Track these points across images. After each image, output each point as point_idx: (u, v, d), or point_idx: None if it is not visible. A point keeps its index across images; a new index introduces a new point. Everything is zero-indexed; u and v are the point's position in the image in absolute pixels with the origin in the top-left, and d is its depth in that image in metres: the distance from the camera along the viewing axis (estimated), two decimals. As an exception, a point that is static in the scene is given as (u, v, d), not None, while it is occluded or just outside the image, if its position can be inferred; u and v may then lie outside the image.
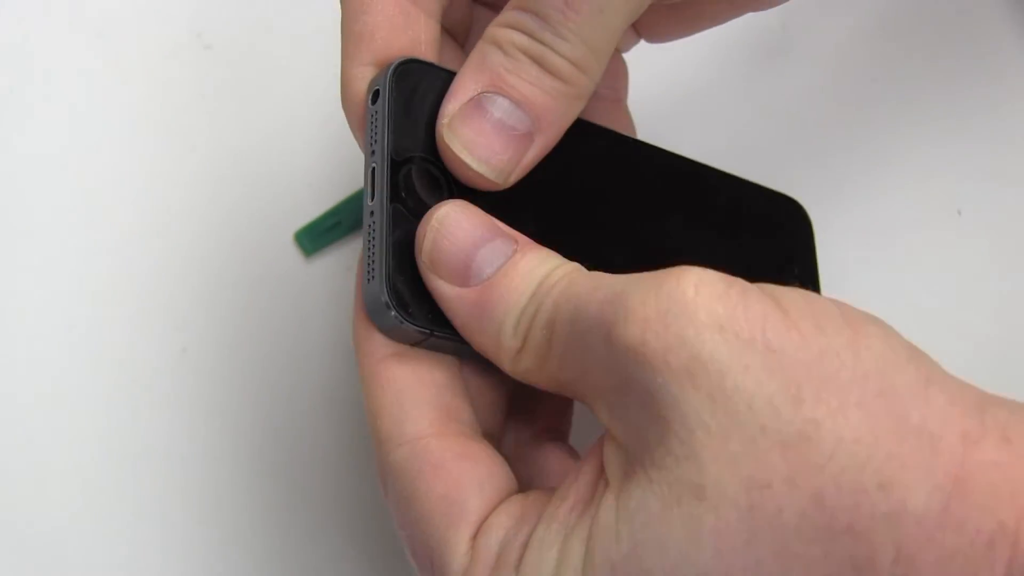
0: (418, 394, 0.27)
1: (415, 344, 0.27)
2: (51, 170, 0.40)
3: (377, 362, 0.27)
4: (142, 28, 0.42)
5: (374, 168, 0.27)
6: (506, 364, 0.27)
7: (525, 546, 0.25)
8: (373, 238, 0.27)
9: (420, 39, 0.28)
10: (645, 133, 0.35)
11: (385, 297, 0.27)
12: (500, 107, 0.27)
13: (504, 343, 0.26)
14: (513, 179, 0.28)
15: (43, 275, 0.39)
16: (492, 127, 0.27)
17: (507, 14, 0.28)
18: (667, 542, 0.22)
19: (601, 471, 0.25)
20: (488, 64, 0.28)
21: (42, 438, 0.37)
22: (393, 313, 0.26)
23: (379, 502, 0.36)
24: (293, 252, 0.39)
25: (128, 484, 0.37)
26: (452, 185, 0.28)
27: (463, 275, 0.26)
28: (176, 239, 0.39)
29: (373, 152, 0.28)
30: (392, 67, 0.27)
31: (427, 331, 0.27)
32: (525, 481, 0.28)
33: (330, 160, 0.40)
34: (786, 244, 0.34)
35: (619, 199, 0.31)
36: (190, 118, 0.41)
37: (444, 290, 0.26)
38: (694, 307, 0.23)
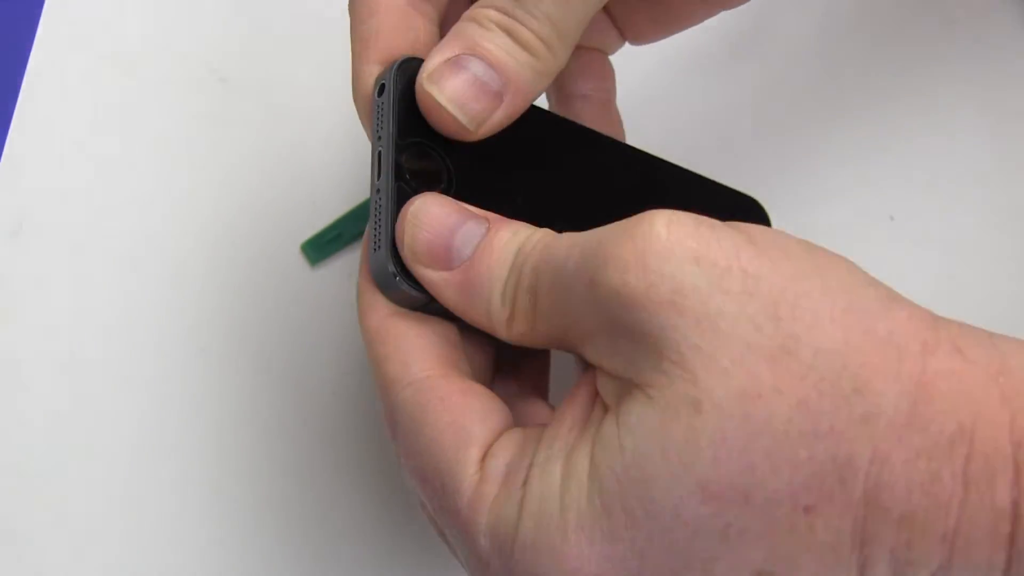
0: (422, 342, 0.28)
1: (416, 309, 0.28)
2: (81, 192, 0.41)
3: (382, 318, 0.28)
4: (164, 64, 0.43)
5: (380, 152, 0.29)
6: (501, 332, 0.27)
7: (530, 466, 0.25)
8: (379, 212, 0.28)
9: (419, 40, 0.30)
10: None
11: (390, 264, 0.27)
12: (476, 65, 0.28)
13: (495, 314, 0.27)
14: (483, 132, 0.29)
15: (79, 284, 0.40)
16: (468, 79, 0.28)
17: None
18: (668, 452, 0.23)
19: (595, 396, 0.26)
20: (464, 34, 0.29)
21: (72, 430, 0.38)
22: (397, 278, 0.27)
23: (382, 491, 0.38)
24: (300, 261, 0.41)
25: (151, 472, 0.38)
26: (450, 166, 0.29)
27: (445, 260, 0.27)
28: (197, 250, 0.40)
29: (379, 138, 0.29)
30: (396, 64, 0.29)
31: (427, 295, 0.28)
32: None
33: (333, 179, 0.41)
34: None
35: (590, 192, 0.32)
36: (209, 143, 0.42)
37: (431, 276, 0.27)
38: (669, 245, 0.23)
